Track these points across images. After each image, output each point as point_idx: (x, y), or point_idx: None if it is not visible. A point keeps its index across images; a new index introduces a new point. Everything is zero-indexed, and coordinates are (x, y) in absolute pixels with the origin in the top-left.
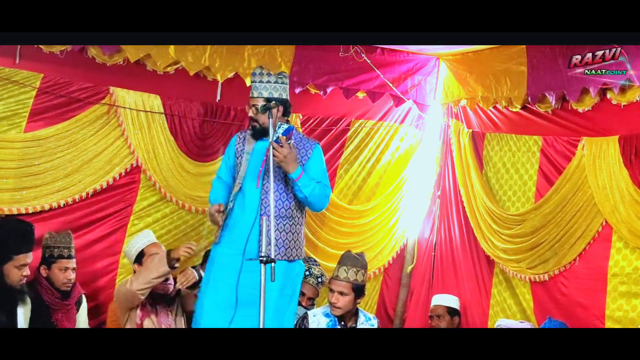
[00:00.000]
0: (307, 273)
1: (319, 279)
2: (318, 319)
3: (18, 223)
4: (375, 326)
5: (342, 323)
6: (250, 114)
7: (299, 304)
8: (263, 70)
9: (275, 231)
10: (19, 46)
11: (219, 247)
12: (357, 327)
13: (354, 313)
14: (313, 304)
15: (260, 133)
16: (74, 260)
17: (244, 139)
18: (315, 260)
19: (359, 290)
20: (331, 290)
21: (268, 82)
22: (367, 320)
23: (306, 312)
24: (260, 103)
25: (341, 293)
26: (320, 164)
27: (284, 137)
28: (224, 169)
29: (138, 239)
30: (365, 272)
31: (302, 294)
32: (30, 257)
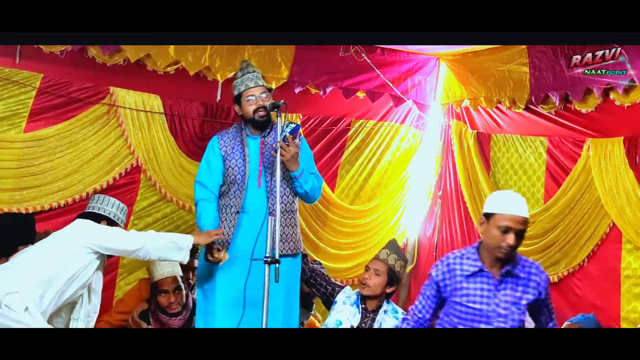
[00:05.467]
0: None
1: None
2: (349, 293)
3: (19, 215)
4: (399, 320)
5: (364, 305)
6: (260, 102)
7: None
8: (247, 63)
9: (283, 227)
10: (19, 46)
11: (228, 251)
12: (380, 314)
13: (381, 300)
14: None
15: (266, 123)
16: None
17: (229, 140)
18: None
19: (392, 277)
20: (367, 269)
21: (255, 71)
22: (394, 312)
23: (347, 286)
24: (261, 92)
25: (376, 272)
26: (310, 155)
27: (291, 137)
28: (206, 174)
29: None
30: (404, 266)
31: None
32: None
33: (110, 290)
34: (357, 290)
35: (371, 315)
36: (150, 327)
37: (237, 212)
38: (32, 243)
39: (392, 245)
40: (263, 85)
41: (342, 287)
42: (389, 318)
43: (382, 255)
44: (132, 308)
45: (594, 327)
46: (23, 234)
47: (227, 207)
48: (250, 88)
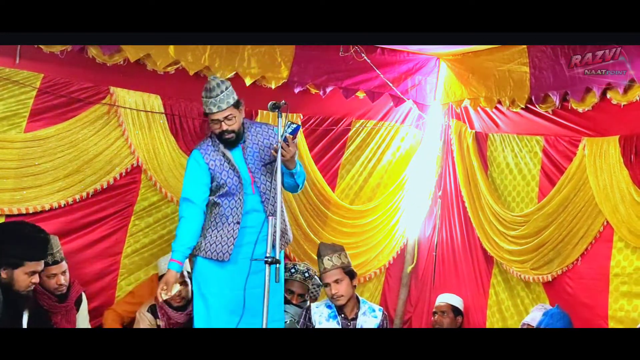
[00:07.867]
0: (293, 270)
1: (306, 274)
2: (320, 310)
3: (33, 229)
4: (379, 318)
5: (343, 315)
6: (225, 127)
7: (290, 302)
8: (216, 82)
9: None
10: (19, 46)
11: (227, 263)
12: (359, 317)
13: (356, 303)
14: (305, 301)
15: (236, 141)
16: (62, 263)
17: (212, 152)
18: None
19: (350, 272)
20: (326, 285)
21: (222, 92)
22: (371, 311)
23: (309, 305)
24: (225, 116)
25: (337, 281)
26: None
27: (291, 137)
28: (193, 189)
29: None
30: (346, 254)
31: (291, 292)
32: (41, 265)
33: (112, 290)
34: (325, 301)
35: (352, 322)
36: (157, 320)
37: (237, 222)
38: (41, 260)
39: (324, 249)
40: (228, 107)
41: (309, 310)
42: (368, 319)
43: (327, 264)
44: (143, 300)
45: (566, 322)
46: (32, 249)
47: (223, 218)
48: (214, 113)
